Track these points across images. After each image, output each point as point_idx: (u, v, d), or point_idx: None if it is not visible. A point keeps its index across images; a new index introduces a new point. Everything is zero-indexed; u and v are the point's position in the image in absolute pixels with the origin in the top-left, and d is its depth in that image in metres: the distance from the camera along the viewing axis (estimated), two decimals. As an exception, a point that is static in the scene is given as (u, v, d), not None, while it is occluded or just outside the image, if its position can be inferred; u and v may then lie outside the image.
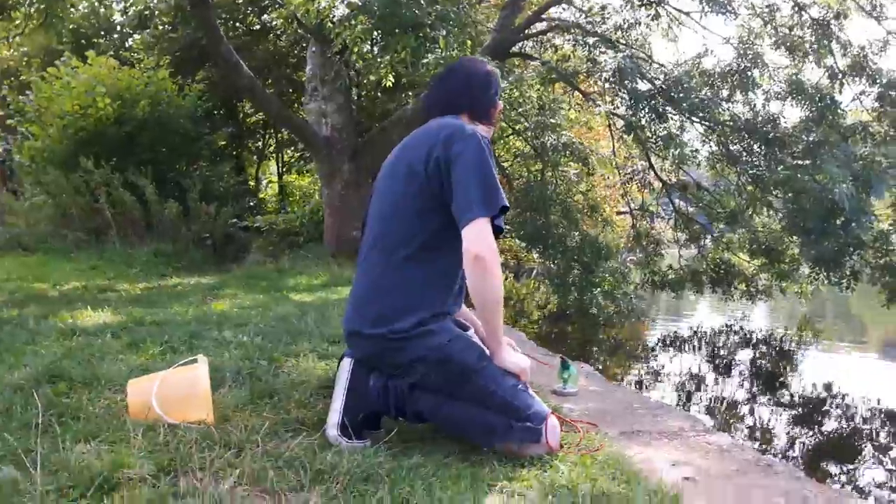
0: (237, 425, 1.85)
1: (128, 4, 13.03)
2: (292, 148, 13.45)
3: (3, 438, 1.61)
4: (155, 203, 8.06)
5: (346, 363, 1.92)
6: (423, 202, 1.87)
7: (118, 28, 13.59)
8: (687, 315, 12.57)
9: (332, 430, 1.83)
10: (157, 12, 12.68)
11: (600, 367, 7.85)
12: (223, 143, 11.10)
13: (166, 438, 1.68)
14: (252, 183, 13.76)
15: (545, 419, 1.80)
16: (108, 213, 7.94)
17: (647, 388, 6.95)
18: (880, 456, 4.91)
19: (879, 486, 4.27)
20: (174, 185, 8.63)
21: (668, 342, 9.72)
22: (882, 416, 5.87)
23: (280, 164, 14.15)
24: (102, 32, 13.13)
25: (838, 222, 6.06)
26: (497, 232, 1.83)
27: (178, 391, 1.90)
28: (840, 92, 7.05)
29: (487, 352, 1.88)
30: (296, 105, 11.69)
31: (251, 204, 11.31)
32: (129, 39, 13.27)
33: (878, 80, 6.84)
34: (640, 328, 10.83)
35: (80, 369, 2.29)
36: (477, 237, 1.78)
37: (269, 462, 1.62)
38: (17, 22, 8.69)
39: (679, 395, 6.47)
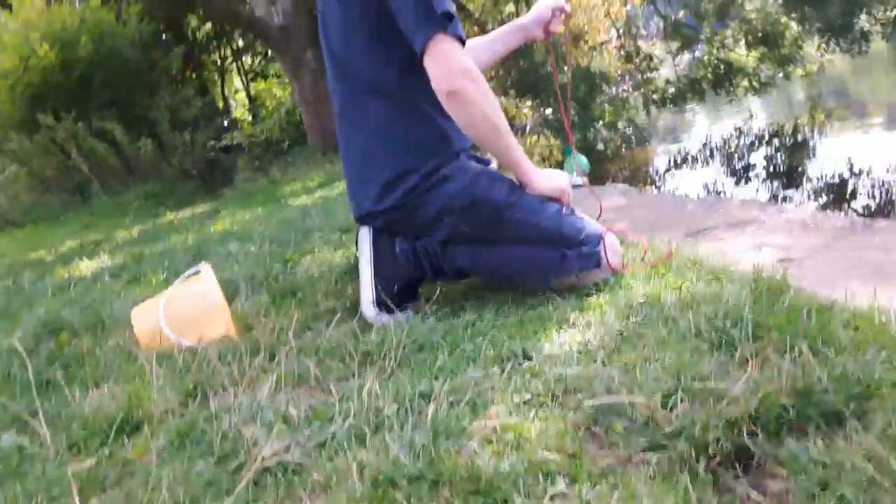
0: (263, 330, 1.64)
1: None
2: (250, 53, 12.71)
3: (4, 406, 1.40)
4: (127, 144, 7.68)
5: (365, 233, 1.66)
6: (373, 28, 1.52)
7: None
8: (689, 131, 12.17)
9: (369, 306, 1.61)
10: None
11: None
12: (178, 65, 10.44)
13: (186, 362, 1.47)
14: (221, 102, 13.17)
15: (601, 239, 1.55)
16: (84, 168, 7.59)
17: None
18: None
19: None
20: (142, 120, 8.19)
21: (679, 161, 9.43)
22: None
23: (243, 75, 13.44)
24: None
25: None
26: (460, 41, 1.47)
27: (188, 308, 1.67)
28: None
29: (517, 182, 1.61)
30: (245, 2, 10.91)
31: (225, 124, 10.82)
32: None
33: None
34: (646, 155, 10.50)
35: (82, 315, 2.07)
36: (438, 68, 1.45)
37: (308, 358, 1.41)
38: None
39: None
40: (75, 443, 1.17)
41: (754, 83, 8.96)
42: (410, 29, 1.46)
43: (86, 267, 3.28)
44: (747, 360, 1.02)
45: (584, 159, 2.06)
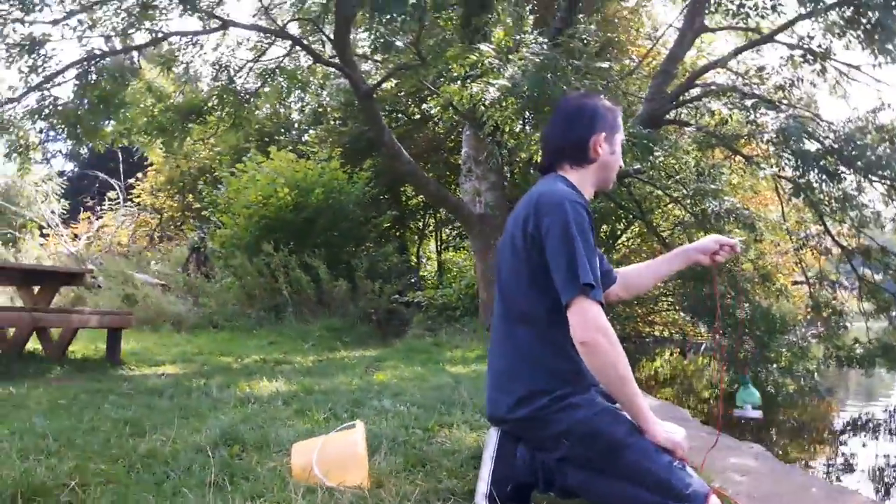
0: (390, 491, 1.93)
1: (304, 104, 14.56)
2: (450, 227, 14.00)
3: (182, 494, 1.80)
4: (327, 282, 8.71)
5: (494, 433, 1.93)
6: (533, 275, 1.85)
7: (295, 125, 15.19)
8: (883, 396, 11.16)
9: (481, 499, 1.84)
10: (329, 109, 14.05)
11: (779, 452, 7.16)
12: (388, 224, 11.81)
13: (325, 500, 1.78)
14: (414, 260, 14.41)
15: (706, 498, 1.67)
16: (285, 292, 8.68)
17: (833, 476, 6.22)
18: None
19: None
20: (344, 265, 9.32)
21: (859, 425, 8.67)
22: None
23: (439, 242, 14.74)
24: (282, 129, 14.71)
25: None
26: (600, 304, 1.77)
27: (337, 454, 2.01)
28: None
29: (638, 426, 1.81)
30: (453, 186, 12.26)
31: (412, 280, 11.82)
32: (305, 135, 14.76)
33: None
34: (826, 409, 9.76)
35: (253, 433, 2.50)
36: (577, 321, 1.74)
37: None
38: (211, 125, 9.93)
39: (874, 485, 5.72)
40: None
41: (958, 363, 8.19)
42: (560, 286, 1.78)
43: (265, 387, 3.81)
44: None
45: (755, 392, 2.18)
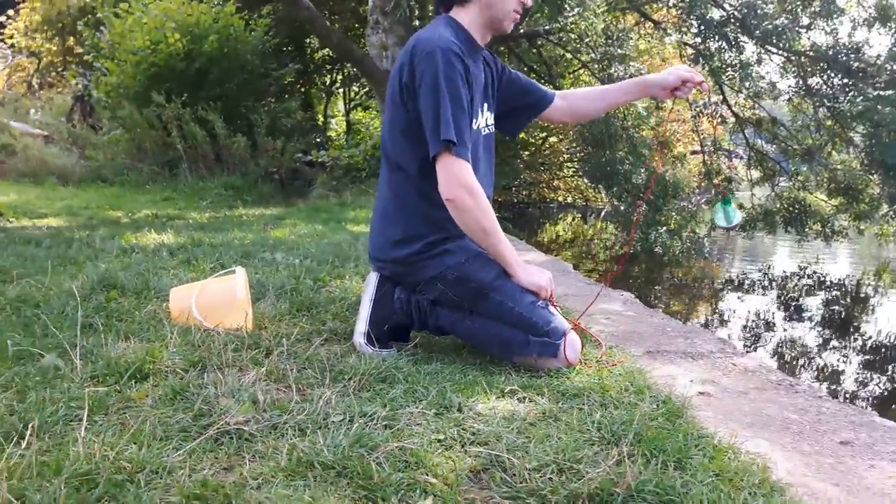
0: (271, 332, 1.95)
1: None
2: (358, 83, 13.48)
3: (53, 335, 1.75)
4: (224, 137, 8.31)
5: (373, 276, 1.98)
6: (407, 125, 1.85)
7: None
8: (762, 258, 12.16)
9: (359, 337, 1.90)
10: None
11: (661, 306, 7.76)
12: (291, 78, 11.22)
13: (200, 339, 1.79)
14: (321, 119, 13.93)
15: (564, 334, 1.81)
16: (179, 147, 8.25)
17: (710, 327, 6.83)
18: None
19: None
20: (243, 120, 8.87)
21: (736, 284, 9.46)
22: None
23: (347, 100, 14.23)
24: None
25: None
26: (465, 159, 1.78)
27: (216, 298, 2.00)
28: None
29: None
30: (361, 40, 11.67)
31: (318, 140, 11.48)
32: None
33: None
34: (710, 269, 10.57)
35: (133, 280, 2.44)
36: (441, 178, 1.77)
37: (294, 362, 1.71)
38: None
39: (743, 336, 6.34)
40: (97, 375, 1.50)
41: (826, 230, 8.93)
42: (427, 139, 1.79)
43: (151, 239, 3.70)
44: (618, 456, 1.26)
45: (735, 211, 2.21)
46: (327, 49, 12.25)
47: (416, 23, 9.49)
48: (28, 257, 2.95)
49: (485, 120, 2.00)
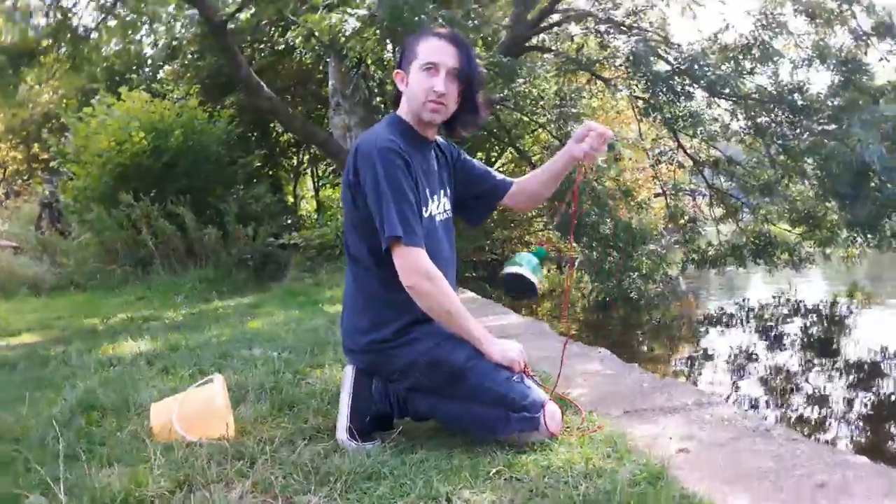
0: (254, 437, 1.96)
1: (157, 37, 13.44)
2: (325, 162, 13.68)
3: (36, 470, 1.75)
4: (194, 230, 8.35)
5: (349, 369, 2.01)
6: (358, 220, 1.95)
7: (149, 61, 14.00)
8: (739, 290, 12.36)
9: (341, 433, 1.92)
10: (184, 42, 13.06)
11: (644, 350, 7.82)
12: (258, 164, 11.37)
13: (184, 455, 1.79)
14: (291, 200, 14.04)
15: (542, 406, 1.85)
16: (150, 245, 8.26)
17: (695, 365, 6.89)
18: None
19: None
20: (212, 210, 8.91)
21: (714, 320, 9.59)
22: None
23: (315, 180, 14.41)
24: (134, 67, 13.54)
25: (872, 184, 5.90)
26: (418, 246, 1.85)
27: (197, 409, 2.02)
28: (866, 54, 6.86)
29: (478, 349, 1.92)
30: (325, 120, 11.92)
31: (289, 221, 11.55)
32: (160, 71, 13.70)
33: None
34: (689, 307, 10.72)
35: (113, 397, 2.44)
36: (399, 266, 1.85)
37: (280, 469, 1.72)
38: (47, 67, 9.05)
39: (728, 371, 6.39)
40: (83, 510, 1.50)
41: (794, 258, 9.14)
42: (380, 230, 1.86)
43: (128, 348, 3.69)
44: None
45: (536, 261, 2.00)
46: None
47: (376, 101, 9.76)
48: (3, 384, 2.93)
49: (442, 206, 2.07)
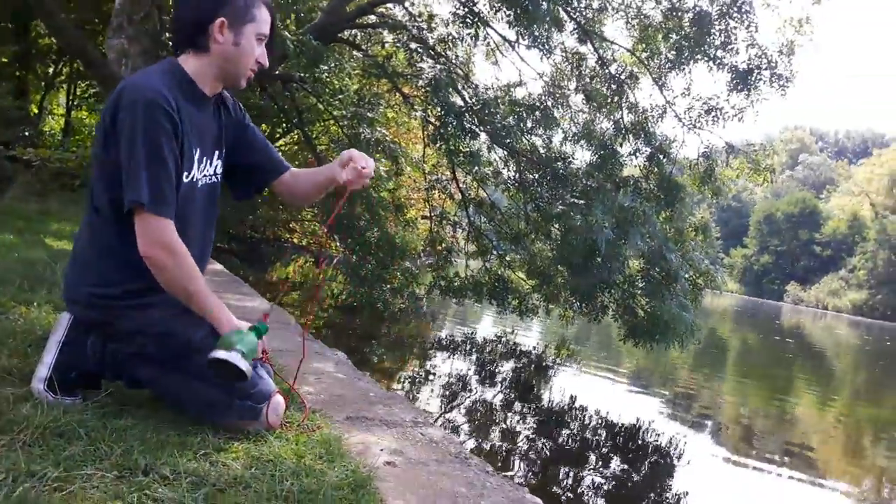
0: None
1: None
2: (87, 82, 12.22)
3: None
4: None
5: (65, 317, 1.83)
6: (106, 168, 1.75)
7: None
8: (472, 322, 13.39)
9: (38, 383, 1.74)
10: None
11: (376, 359, 8.11)
12: (5, 59, 9.82)
13: None
14: (35, 111, 12.32)
15: (268, 398, 1.83)
16: None
17: (416, 384, 7.31)
18: (602, 464, 5.57)
19: (595, 488, 4.88)
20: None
21: (443, 345, 10.28)
22: (611, 429, 6.68)
23: (70, 97, 12.78)
24: None
25: (597, 261, 6.78)
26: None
27: None
28: (621, 145, 7.88)
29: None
30: (101, 38, 10.68)
31: (27, 133, 10.11)
32: None
33: (651, 142, 7.76)
34: (425, 328, 11.36)
35: None
36: (138, 233, 1.70)
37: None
38: None
39: (442, 395, 6.86)
40: None
41: (522, 306, 10.04)
42: (124, 191, 1.69)
43: None
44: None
45: (255, 342, 1.78)
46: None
47: (165, 36, 8.98)
48: None
49: (212, 169, 1.93)
